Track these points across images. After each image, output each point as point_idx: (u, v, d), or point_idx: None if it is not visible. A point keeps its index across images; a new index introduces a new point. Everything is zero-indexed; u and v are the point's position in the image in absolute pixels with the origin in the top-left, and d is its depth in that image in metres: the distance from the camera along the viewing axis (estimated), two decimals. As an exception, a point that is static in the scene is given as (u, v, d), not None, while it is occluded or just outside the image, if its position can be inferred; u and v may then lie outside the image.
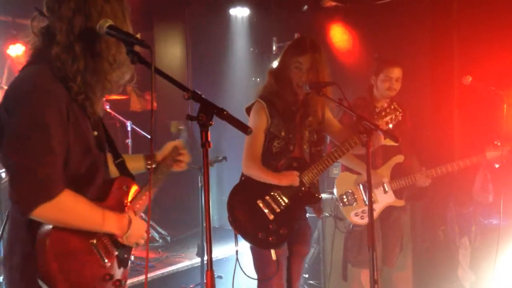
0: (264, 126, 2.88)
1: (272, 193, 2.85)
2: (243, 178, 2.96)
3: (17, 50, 6.02)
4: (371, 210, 2.48)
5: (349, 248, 3.76)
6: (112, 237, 1.81)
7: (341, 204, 3.67)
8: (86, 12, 1.70)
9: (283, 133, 2.88)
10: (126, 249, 1.89)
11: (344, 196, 3.63)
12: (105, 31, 1.70)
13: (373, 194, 3.58)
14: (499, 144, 3.59)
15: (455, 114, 4.70)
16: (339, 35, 5.58)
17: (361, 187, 3.63)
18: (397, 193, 3.67)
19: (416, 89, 4.87)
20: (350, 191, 3.64)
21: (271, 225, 2.83)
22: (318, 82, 2.84)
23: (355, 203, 3.63)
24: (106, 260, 1.77)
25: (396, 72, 3.66)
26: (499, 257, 3.70)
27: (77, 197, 1.69)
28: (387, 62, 3.73)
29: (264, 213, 2.83)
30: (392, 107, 2.95)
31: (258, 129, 2.86)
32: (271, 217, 2.83)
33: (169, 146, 2.21)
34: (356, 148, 2.89)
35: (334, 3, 5.58)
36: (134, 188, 1.95)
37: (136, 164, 2.13)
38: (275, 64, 3.11)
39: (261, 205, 2.84)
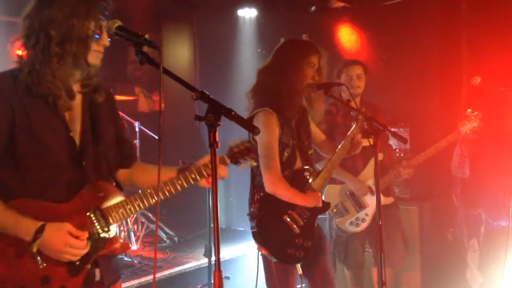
0: (277, 137, 2.75)
1: (295, 207, 2.78)
2: (263, 193, 2.79)
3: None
4: (379, 213, 2.48)
5: (338, 250, 3.76)
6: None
7: (333, 216, 3.69)
8: (41, 10, 1.73)
9: (291, 141, 2.81)
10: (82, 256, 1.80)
11: (335, 209, 3.65)
12: (113, 32, 1.71)
13: (361, 200, 3.62)
14: (469, 111, 3.56)
15: (464, 115, 4.67)
16: (346, 36, 5.56)
17: (348, 195, 3.65)
18: (385, 192, 3.66)
19: (424, 90, 4.86)
20: (340, 202, 3.66)
21: (297, 239, 2.77)
22: (327, 83, 2.83)
23: (347, 213, 3.65)
24: (41, 263, 1.72)
25: (356, 69, 3.67)
26: (508, 259, 3.67)
27: None
28: (346, 62, 3.78)
29: (290, 228, 2.76)
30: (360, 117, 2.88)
31: (274, 142, 2.73)
32: (297, 231, 2.77)
33: (206, 158, 1.98)
34: (352, 149, 2.85)
35: (342, 4, 5.56)
36: (114, 196, 1.87)
37: (169, 174, 1.98)
38: (267, 63, 2.90)
39: (286, 219, 2.76)
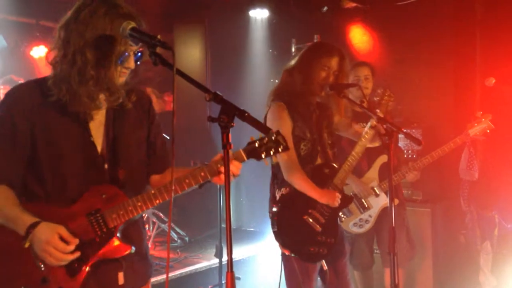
0: (290, 128, 2.78)
1: (316, 205, 2.79)
2: (284, 191, 2.82)
3: (41, 52, 6.12)
4: (392, 213, 2.46)
5: None
6: None
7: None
8: (77, 24, 1.76)
9: (308, 134, 2.82)
10: (77, 257, 1.79)
11: None
12: (127, 33, 1.71)
13: (365, 201, 3.61)
14: (480, 113, 3.50)
15: (474, 117, 4.62)
16: (359, 36, 5.54)
17: (352, 196, 3.59)
18: None
19: (438, 91, 4.82)
20: None
21: (320, 237, 2.79)
22: (340, 84, 2.83)
23: (350, 214, 3.64)
24: (41, 264, 1.75)
25: (364, 71, 3.68)
26: (522, 262, 3.63)
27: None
28: (354, 63, 3.77)
29: (312, 226, 2.78)
30: (387, 94, 2.91)
31: (287, 133, 2.73)
32: (318, 228, 2.79)
33: (219, 155, 1.91)
34: (373, 140, 2.85)
35: (354, 4, 5.54)
36: (117, 198, 1.85)
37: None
38: (292, 63, 2.95)
39: (307, 219, 2.78)
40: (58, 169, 1.82)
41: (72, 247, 1.76)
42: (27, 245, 1.72)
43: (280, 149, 1.90)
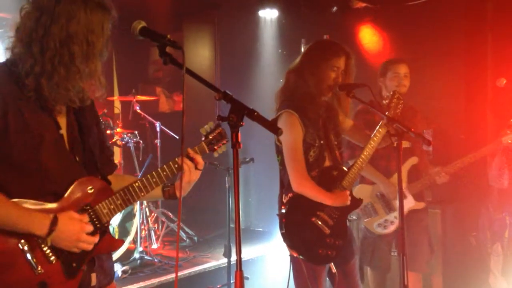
0: (301, 138, 2.76)
1: (324, 207, 2.76)
2: (291, 195, 2.79)
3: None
4: (402, 216, 2.44)
5: (364, 251, 3.72)
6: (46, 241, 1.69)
7: (362, 216, 3.64)
8: (54, 14, 1.67)
9: (317, 142, 2.80)
10: (74, 256, 1.74)
11: (365, 209, 3.59)
12: (138, 33, 1.72)
13: (392, 202, 3.55)
14: None
15: (489, 117, 4.59)
16: (368, 37, 5.52)
17: (379, 197, 3.58)
18: (417, 196, 3.59)
19: (449, 92, 4.79)
20: (369, 203, 3.59)
21: (328, 239, 2.75)
22: (349, 84, 2.82)
23: (376, 214, 3.60)
24: (38, 267, 1.65)
25: (403, 68, 3.60)
26: (533, 265, 3.59)
27: None
28: (393, 60, 3.71)
29: (320, 228, 2.75)
30: (396, 97, 2.88)
31: (298, 143, 2.74)
32: (327, 231, 2.76)
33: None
34: (383, 141, 2.83)
35: (363, 4, 5.52)
36: (103, 191, 1.82)
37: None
38: (296, 63, 2.90)
39: (316, 221, 2.75)
40: (37, 162, 1.69)
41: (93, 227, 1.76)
42: (50, 243, 1.67)
43: (219, 146, 2.01)
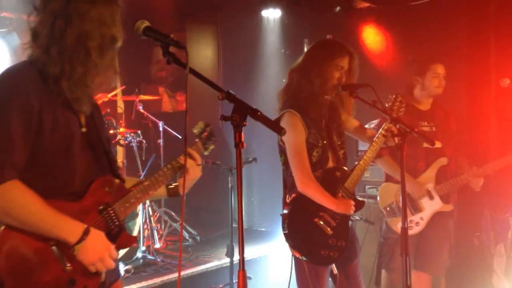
0: (304, 138, 2.76)
1: (327, 209, 2.75)
2: (294, 196, 2.80)
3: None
4: (404, 215, 2.44)
5: (383, 253, 3.67)
6: None
7: (385, 215, 3.56)
8: (67, 17, 1.70)
9: (320, 142, 2.80)
10: None
11: (388, 208, 3.52)
12: (141, 32, 1.73)
13: (418, 202, 3.48)
14: None
15: (492, 118, 4.58)
16: (371, 37, 5.51)
17: None
18: (444, 198, 3.51)
19: (452, 92, 4.74)
20: (394, 202, 3.51)
21: (331, 240, 2.75)
22: (352, 84, 2.81)
23: (400, 213, 3.46)
24: (68, 264, 1.69)
25: (443, 69, 3.57)
26: (536, 266, 3.58)
27: (25, 190, 1.63)
28: (431, 60, 3.61)
29: (322, 229, 2.75)
30: (399, 100, 2.87)
31: (301, 143, 2.74)
32: (329, 232, 2.75)
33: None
34: (388, 140, 2.81)
35: (367, 4, 5.51)
36: (119, 190, 1.87)
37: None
38: (299, 63, 2.90)
39: (318, 222, 2.75)
40: (66, 159, 1.73)
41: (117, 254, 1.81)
42: (76, 251, 1.69)
43: (210, 144, 2.15)
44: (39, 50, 1.73)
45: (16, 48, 6.04)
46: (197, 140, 2.11)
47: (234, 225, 4.29)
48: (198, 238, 5.41)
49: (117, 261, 1.97)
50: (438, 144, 3.43)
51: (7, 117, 1.63)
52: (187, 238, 5.34)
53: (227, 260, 4.25)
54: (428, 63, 3.57)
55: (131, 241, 1.95)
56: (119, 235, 1.86)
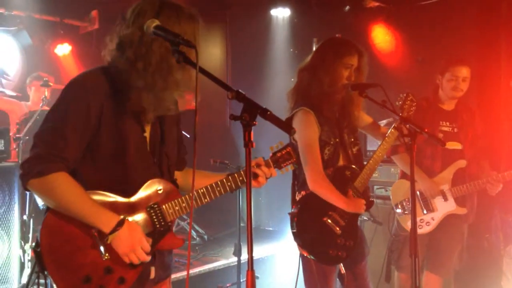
0: (317, 136, 2.76)
1: (336, 207, 2.74)
2: (303, 193, 2.80)
3: (64, 50, 6.22)
4: (414, 216, 2.43)
5: (393, 249, 3.63)
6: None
7: (397, 212, 3.53)
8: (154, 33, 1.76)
9: (332, 140, 2.79)
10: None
11: (400, 205, 3.50)
12: (152, 31, 1.73)
13: (432, 202, 3.45)
14: None
15: (502, 118, 4.54)
16: (381, 36, 5.48)
17: (418, 195, 3.44)
18: (459, 201, 3.46)
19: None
20: (407, 199, 3.48)
21: (339, 240, 2.74)
22: (362, 83, 2.80)
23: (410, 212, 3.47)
24: (106, 254, 1.81)
25: (464, 72, 3.45)
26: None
27: (69, 181, 1.77)
28: (454, 61, 3.53)
29: (331, 229, 2.74)
30: (410, 98, 2.84)
31: (314, 141, 2.74)
32: (338, 231, 2.75)
33: (259, 160, 2.15)
34: (398, 139, 2.80)
35: (376, 4, 5.49)
36: (171, 193, 1.95)
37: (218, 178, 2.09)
38: (308, 62, 2.89)
39: (327, 221, 2.74)
40: (122, 160, 1.85)
41: (149, 247, 1.87)
42: (109, 241, 1.80)
43: (286, 165, 2.16)
44: (124, 61, 1.82)
45: (26, 46, 6.09)
46: (270, 156, 2.15)
47: (242, 224, 4.29)
48: (205, 237, 5.42)
49: (170, 258, 2.09)
50: (457, 146, 3.40)
51: (66, 116, 1.78)
52: (195, 237, 5.35)
53: (235, 259, 4.25)
54: (449, 64, 3.50)
55: (176, 243, 2.01)
56: (164, 235, 1.94)
